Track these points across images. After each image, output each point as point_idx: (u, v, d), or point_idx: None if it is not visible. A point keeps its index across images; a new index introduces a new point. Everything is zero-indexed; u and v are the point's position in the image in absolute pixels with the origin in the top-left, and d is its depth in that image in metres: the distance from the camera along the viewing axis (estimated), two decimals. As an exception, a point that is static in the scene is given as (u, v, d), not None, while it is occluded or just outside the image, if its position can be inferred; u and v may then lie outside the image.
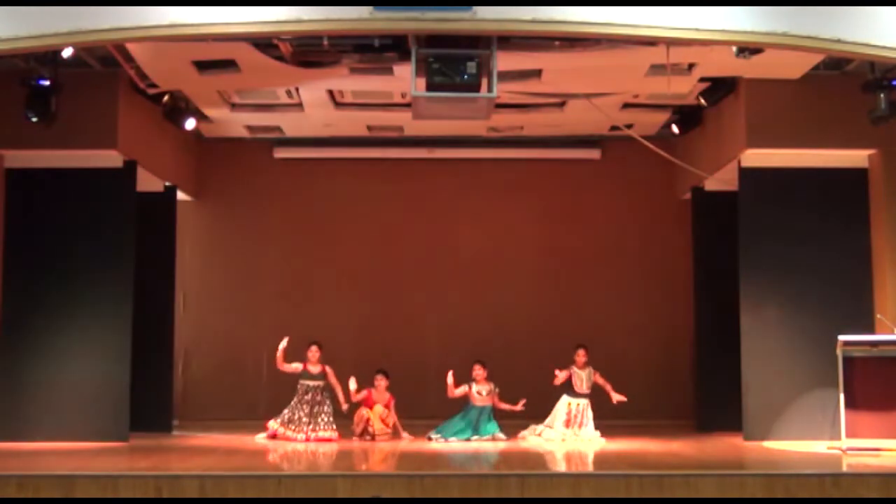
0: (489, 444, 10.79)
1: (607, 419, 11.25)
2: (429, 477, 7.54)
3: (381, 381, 11.29)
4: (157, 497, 7.29)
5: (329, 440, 11.02)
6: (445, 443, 10.81)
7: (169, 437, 11.42)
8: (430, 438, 10.98)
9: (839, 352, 9.71)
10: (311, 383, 11.25)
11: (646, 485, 7.42)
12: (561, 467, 8.92)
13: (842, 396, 9.66)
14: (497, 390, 11.32)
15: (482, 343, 12.75)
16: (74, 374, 10.88)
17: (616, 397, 11.28)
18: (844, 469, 8.43)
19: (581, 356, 11.32)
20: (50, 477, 7.55)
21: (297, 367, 11.29)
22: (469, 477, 7.81)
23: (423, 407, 11.76)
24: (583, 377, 11.29)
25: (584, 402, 11.30)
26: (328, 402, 11.26)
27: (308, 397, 11.21)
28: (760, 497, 7.33)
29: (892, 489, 7.37)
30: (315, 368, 11.27)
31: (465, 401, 11.26)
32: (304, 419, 11.13)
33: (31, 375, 10.85)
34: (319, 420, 11.13)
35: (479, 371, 11.28)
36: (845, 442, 9.59)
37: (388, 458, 9.60)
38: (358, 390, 11.12)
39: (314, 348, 11.29)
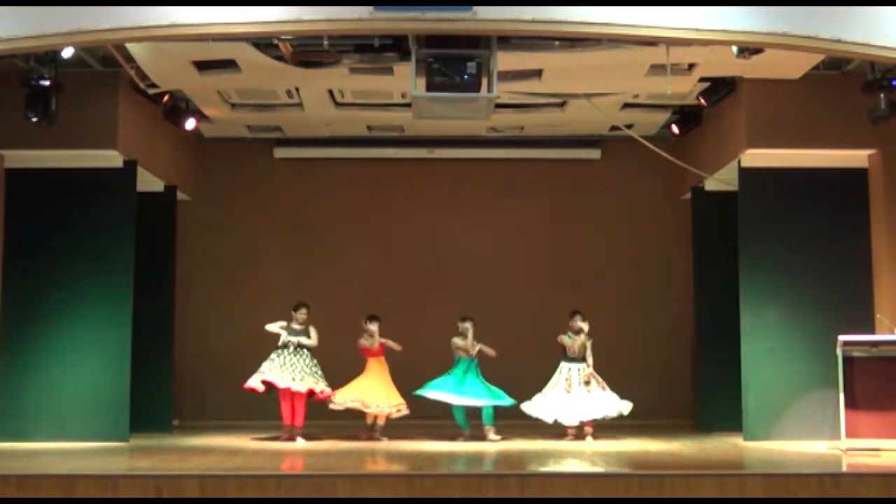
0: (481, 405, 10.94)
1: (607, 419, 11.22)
2: (429, 477, 7.55)
3: (373, 326, 11.16)
4: (157, 497, 7.29)
5: (327, 396, 10.96)
6: (429, 396, 10.88)
7: (169, 437, 11.40)
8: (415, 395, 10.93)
9: (839, 352, 9.70)
10: (294, 338, 11.02)
11: (646, 485, 7.42)
12: (561, 467, 8.92)
13: (842, 396, 9.66)
14: (486, 351, 11.20)
15: (481, 341, 12.70)
16: (74, 374, 10.90)
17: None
18: (844, 469, 8.44)
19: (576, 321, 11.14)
20: (50, 477, 7.56)
21: (282, 324, 11.12)
22: (469, 477, 7.81)
23: (423, 407, 11.72)
24: (576, 342, 11.08)
25: (582, 366, 11.03)
26: (311, 355, 11.09)
27: (290, 348, 10.99)
28: (760, 497, 7.32)
29: (892, 489, 7.37)
30: (299, 326, 11.11)
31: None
32: (288, 367, 10.90)
33: (31, 375, 10.88)
34: (307, 371, 10.95)
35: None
36: (845, 442, 9.59)
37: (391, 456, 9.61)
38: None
39: (303, 310, 11.11)
